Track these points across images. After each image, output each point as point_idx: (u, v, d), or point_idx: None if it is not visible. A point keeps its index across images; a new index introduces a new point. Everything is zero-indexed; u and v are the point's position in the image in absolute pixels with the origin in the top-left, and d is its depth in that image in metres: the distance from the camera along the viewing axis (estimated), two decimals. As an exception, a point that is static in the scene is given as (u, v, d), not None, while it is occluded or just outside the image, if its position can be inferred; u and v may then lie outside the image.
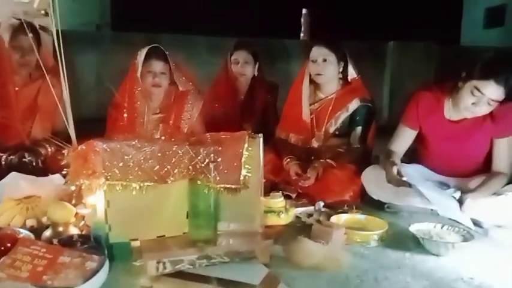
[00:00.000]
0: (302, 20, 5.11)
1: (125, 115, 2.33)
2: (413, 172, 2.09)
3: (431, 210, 1.99)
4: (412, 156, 2.28)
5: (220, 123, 2.58)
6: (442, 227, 1.70)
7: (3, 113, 2.21)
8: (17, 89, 2.28)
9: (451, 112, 2.07)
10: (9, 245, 1.37)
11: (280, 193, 1.89)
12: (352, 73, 2.41)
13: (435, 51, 4.84)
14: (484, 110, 1.92)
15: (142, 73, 2.31)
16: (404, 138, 2.19)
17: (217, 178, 1.44)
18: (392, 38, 4.92)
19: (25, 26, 2.14)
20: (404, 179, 1.92)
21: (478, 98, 1.88)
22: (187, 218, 1.48)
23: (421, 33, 4.74)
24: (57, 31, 1.46)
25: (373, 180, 2.11)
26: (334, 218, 1.78)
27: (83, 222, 1.61)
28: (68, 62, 1.63)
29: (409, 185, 1.92)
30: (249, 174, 1.49)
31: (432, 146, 2.17)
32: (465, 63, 1.95)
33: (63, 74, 1.45)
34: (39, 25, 2.49)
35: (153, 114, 2.40)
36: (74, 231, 1.54)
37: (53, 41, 2.79)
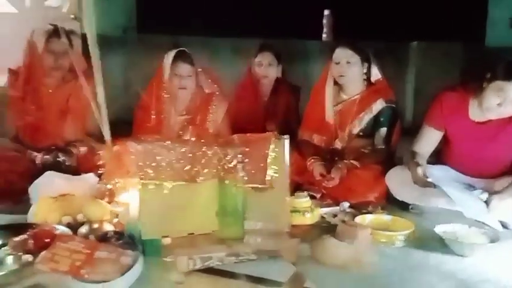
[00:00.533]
0: (324, 20, 5.10)
1: (152, 117, 2.40)
2: (438, 173, 2.09)
3: (457, 211, 1.98)
4: (438, 157, 2.27)
5: (244, 125, 2.62)
6: (468, 228, 1.69)
7: (38, 114, 2.31)
8: (50, 91, 2.38)
9: (476, 113, 2.06)
10: (47, 240, 1.45)
11: (305, 193, 1.92)
12: (376, 74, 2.42)
13: (459, 51, 4.77)
14: (508, 110, 1.91)
15: (169, 76, 2.37)
16: (428, 139, 2.18)
17: (245, 178, 1.49)
18: (416, 38, 4.87)
19: (62, 31, 2.22)
20: (429, 180, 1.93)
21: (503, 99, 1.87)
22: (216, 216, 1.53)
23: (445, 33, 4.67)
24: (92, 35, 1.51)
25: (397, 181, 2.12)
26: (359, 219, 1.80)
27: (116, 220, 1.67)
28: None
29: (435, 186, 1.93)
30: (275, 175, 1.53)
31: (457, 147, 2.16)
32: (490, 63, 1.94)
33: (99, 76, 1.51)
34: (68, 29, 2.59)
35: (179, 116, 2.46)
36: (108, 227, 1.60)
37: (81, 44, 2.89)
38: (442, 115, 2.12)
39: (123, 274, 1.27)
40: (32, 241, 1.46)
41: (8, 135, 2.35)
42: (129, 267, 1.29)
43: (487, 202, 1.90)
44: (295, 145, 2.45)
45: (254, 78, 2.93)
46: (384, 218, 1.84)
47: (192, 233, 1.51)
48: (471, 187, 2.10)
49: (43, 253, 1.34)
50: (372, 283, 1.37)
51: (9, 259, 1.38)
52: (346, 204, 2.03)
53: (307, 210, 1.84)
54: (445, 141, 2.20)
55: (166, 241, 1.50)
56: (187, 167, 1.44)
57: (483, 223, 1.82)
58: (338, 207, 2.03)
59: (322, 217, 1.93)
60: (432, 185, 1.92)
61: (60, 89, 2.43)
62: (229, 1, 5.01)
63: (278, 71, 2.95)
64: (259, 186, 1.50)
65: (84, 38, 3.36)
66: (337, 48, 2.40)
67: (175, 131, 2.44)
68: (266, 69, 2.89)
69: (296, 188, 2.12)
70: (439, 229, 1.68)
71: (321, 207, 1.99)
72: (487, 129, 2.04)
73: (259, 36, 3.88)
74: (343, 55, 2.36)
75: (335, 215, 1.93)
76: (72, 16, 4.35)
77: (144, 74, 2.80)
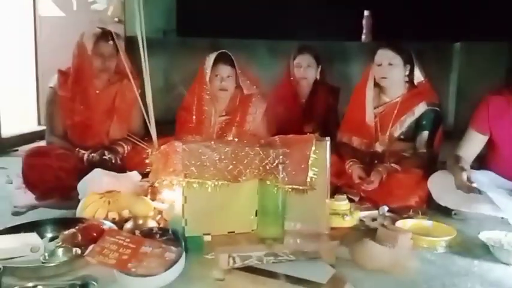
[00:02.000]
0: (364, 21, 5.04)
1: (194, 117, 2.46)
2: (483, 178, 2.03)
3: (502, 218, 1.92)
4: (481, 161, 2.21)
5: (282, 126, 2.64)
6: (513, 236, 1.65)
7: (86, 114, 2.41)
8: (97, 92, 2.48)
9: (523, 117, 2.00)
10: (95, 234, 1.52)
11: (344, 196, 1.92)
12: (418, 76, 2.38)
13: (505, 51, 4.61)
14: None
15: (210, 77, 2.41)
16: (473, 143, 2.14)
17: (286, 179, 1.50)
18: (459, 37, 4.73)
19: (111, 34, 2.31)
20: (474, 185, 1.88)
21: None
22: (256, 216, 1.55)
23: (491, 32, 4.50)
24: (142, 38, 1.56)
25: (440, 186, 2.07)
26: (400, 223, 1.78)
27: (159, 216, 1.73)
28: (138, 67, 1.74)
29: (479, 192, 1.88)
30: (316, 176, 1.53)
31: (503, 152, 2.10)
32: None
33: (147, 78, 1.56)
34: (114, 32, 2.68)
35: (219, 117, 2.51)
36: (152, 224, 1.66)
37: (125, 46, 2.98)
38: (488, 119, 2.08)
39: (167, 269, 1.31)
40: (81, 235, 1.53)
41: (57, 133, 2.46)
42: (173, 263, 1.34)
43: (534, 209, 1.83)
44: (334, 147, 2.44)
45: (293, 79, 2.95)
46: (425, 223, 1.82)
47: (233, 232, 1.54)
48: (518, 193, 2.03)
49: (93, 246, 1.40)
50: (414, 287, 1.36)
51: (60, 251, 1.46)
52: (385, 208, 2.01)
53: (347, 213, 1.84)
54: (490, 146, 2.15)
55: (207, 239, 1.54)
56: (230, 167, 1.47)
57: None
58: (377, 211, 2.01)
59: (361, 220, 1.92)
60: (477, 191, 1.88)
61: (107, 90, 2.52)
62: (269, 3, 5.04)
63: (317, 72, 2.95)
64: (300, 187, 1.51)
65: (127, 40, 3.48)
66: (379, 50, 2.37)
67: (215, 131, 2.49)
68: (305, 70, 2.90)
69: (334, 190, 2.12)
70: (484, 236, 1.64)
71: (360, 210, 1.98)
72: (534, 134, 1.98)
73: (298, 38, 3.89)
74: (385, 57, 2.33)
75: (374, 219, 1.92)
76: (116, 19, 4.51)
77: (185, 75, 2.87)
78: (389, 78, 2.34)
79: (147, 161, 1.49)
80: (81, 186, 1.99)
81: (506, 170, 2.12)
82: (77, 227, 1.56)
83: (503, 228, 1.74)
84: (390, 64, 2.32)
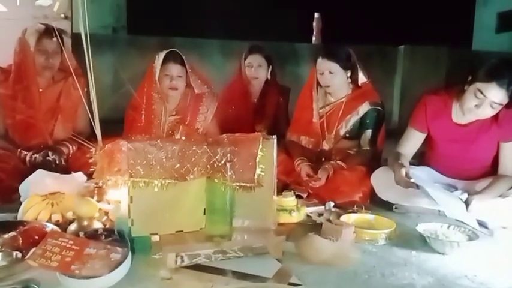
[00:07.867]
0: (314, 23, 5.17)
1: (143, 116, 2.43)
2: (421, 174, 2.14)
3: (439, 211, 2.04)
4: (421, 158, 2.33)
5: (233, 125, 2.66)
6: (448, 227, 1.75)
7: (28, 113, 2.32)
8: (40, 90, 2.39)
9: (458, 116, 2.12)
10: (37, 237, 1.47)
11: (292, 192, 1.97)
12: (361, 78, 2.47)
13: (446, 55, 4.88)
14: (487, 112, 1.96)
15: (160, 76, 2.39)
16: (412, 141, 2.24)
17: (233, 176, 1.52)
18: (404, 41, 4.96)
19: (55, 30, 2.24)
20: (412, 180, 1.97)
21: (481, 101, 1.92)
22: (204, 214, 1.56)
23: (433, 37, 4.76)
24: (86, 34, 1.52)
25: (382, 182, 2.17)
26: (344, 217, 1.85)
27: (105, 217, 1.70)
28: (85, 64, 1.69)
29: (417, 187, 1.97)
30: (263, 174, 1.56)
31: (440, 149, 2.22)
32: (475, 67, 1.99)
33: (91, 76, 1.53)
34: (58, 28, 2.60)
35: (169, 116, 2.49)
36: (97, 225, 1.62)
37: (71, 43, 2.88)
38: (426, 118, 2.18)
39: (112, 270, 1.29)
40: (22, 238, 1.47)
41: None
42: (118, 264, 1.32)
43: (466, 202, 1.96)
44: (284, 146, 2.50)
45: (244, 79, 2.97)
46: (368, 217, 1.89)
47: (181, 231, 1.54)
48: (452, 187, 2.16)
49: (34, 249, 1.35)
50: (354, 279, 1.41)
51: (-1, 255, 1.40)
52: (331, 204, 2.08)
53: (294, 209, 1.88)
54: (428, 143, 2.26)
55: (155, 238, 1.53)
56: (177, 166, 1.46)
57: (463, 222, 1.88)
58: (323, 207, 2.07)
59: (308, 216, 1.97)
60: (415, 186, 1.97)
61: (51, 88, 2.44)
62: (220, 3, 5.05)
63: (268, 72, 2.99)
64: (247, 184, 1.53)
65: (74, 37, 3.37)
66: (318, 59, 2.41)
67: (165, 131, 2.47)
68: (256, 70, 2.93)
69: (284, 187, 2.17)
70: (421, 228, 1.73)
71: (307, 206, 2.03)
72: (468, 132, 2.10)
73: (249, 38, 3.93)
74: (325, 66, 2.38)
75: (320, 214, 1.97)
76: (63, 15, 4.35)
77: (134, 73, 2.82)
78: (331, 86, 2.42)
79: (91, 160, 1.46)
80: (23, 187, 1.92)
81: (443, 166, 2.24)
82: (17, 230, 1.50)
83: (441, 221, 1.83)
84: (331, 73, 2.38)
